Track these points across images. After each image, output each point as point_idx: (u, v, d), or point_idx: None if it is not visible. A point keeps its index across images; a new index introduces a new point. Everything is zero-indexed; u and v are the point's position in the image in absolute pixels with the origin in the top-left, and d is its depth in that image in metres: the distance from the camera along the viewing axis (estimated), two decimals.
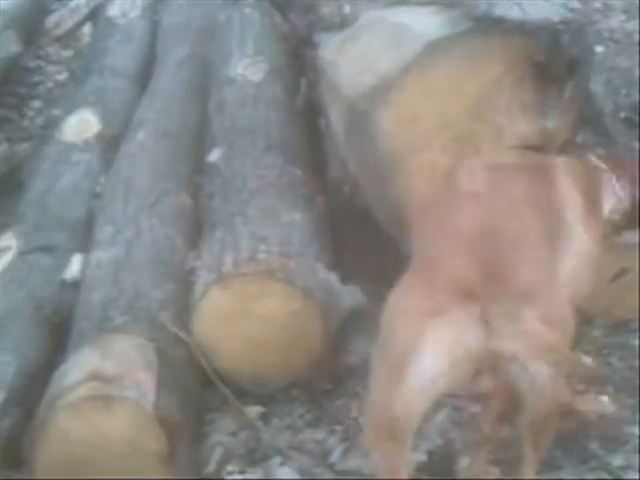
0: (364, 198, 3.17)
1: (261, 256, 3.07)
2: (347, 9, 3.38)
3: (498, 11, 2.92)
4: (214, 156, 3.76)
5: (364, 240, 3.39)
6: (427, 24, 3.03)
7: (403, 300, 2.27)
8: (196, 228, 3.52)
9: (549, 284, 2.26)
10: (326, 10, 3.56)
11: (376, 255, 3.33)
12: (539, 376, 2.17)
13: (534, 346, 2.13)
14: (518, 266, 2.21)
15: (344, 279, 3.13)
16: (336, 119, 3.22)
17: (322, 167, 3.63)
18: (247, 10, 4.60)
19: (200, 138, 4.04)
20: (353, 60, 3.16)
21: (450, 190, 2.47)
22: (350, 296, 3.09)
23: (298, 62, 3.83)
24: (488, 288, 2.14)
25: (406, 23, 3.08)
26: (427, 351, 2.14)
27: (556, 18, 2.90)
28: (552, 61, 2.90)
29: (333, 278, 3.11)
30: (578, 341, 3.12)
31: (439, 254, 2.29)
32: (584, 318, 3.21)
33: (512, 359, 2.14)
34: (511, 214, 2.33)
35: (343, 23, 3.35)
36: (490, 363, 2.17)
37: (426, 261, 2.34)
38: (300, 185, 3.49)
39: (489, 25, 2.91)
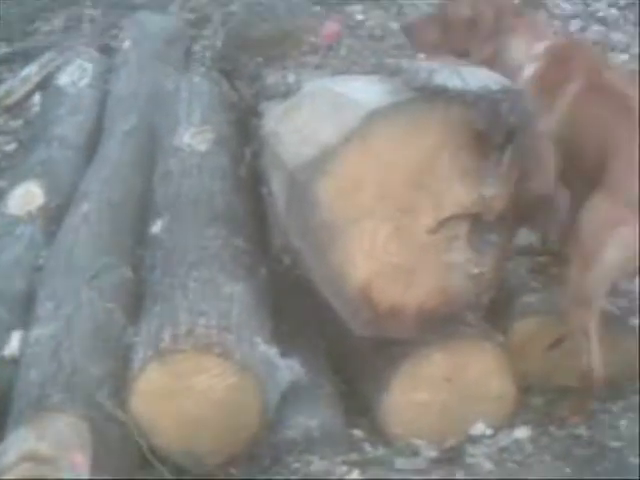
0: (305, 268, 3.13)
1: (199, 331, 3.02)
2: (291, 78, 3.37)
3: (438, 80, 2.92)
4: (156, 227, 3.71)
5: (305, 311, 3.36)
6: (368, 93, 3.02)
7: (597, 212, 3.08)
8: (137, 302, 3.45)
9: None
10: (271, 79, 3.54)
11: (316, 327, 3.30)
12: None
13: None
14: None
15: (284, 352, 3.08)
16: (278, 189, 3.19)
17: (265, 237, 3.60)
18: (196, 79, 4.58)
19: (145, 209, 3.99)
20: (295, 130, 3.14)
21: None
22: (289, 370, 3.05)
23: (244, 131, 3.80)
24: None
25: (347, 93, 3.07)
26: (610, 249, 3.04)
27: (495, 87, 2.91)
28: (491, 130, 2.91)
29: (272, 352, 3.06)
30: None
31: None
32: (523, 387, 3.21)
33: None
34: None
35: (287, 92, 3.33)
36: None
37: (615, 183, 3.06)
38: (242, 256, 3.44)
39: (429, 94, 2.91)
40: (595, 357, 3.16)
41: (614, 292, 3.31)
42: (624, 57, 5.23)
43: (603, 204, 3.08)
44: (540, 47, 3.37)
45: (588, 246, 3.08)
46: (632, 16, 5.69)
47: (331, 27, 3.52)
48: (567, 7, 5.86)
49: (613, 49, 5.31)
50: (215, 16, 5.28)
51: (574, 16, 5.72)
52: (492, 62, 3.30)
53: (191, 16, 5.71)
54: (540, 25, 3.60)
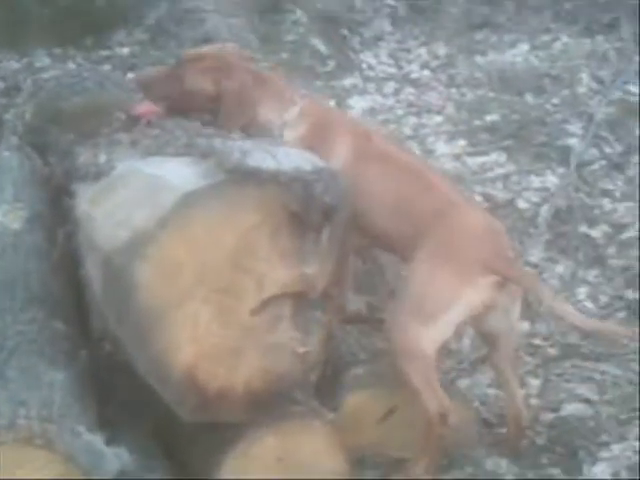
0: (126, 355, 3.08)
1: (20, 422, 2.93)
2: (103, 158, 3.32)
3: (252, 161, 2.94)
4: None
5: (132, 394, 3.29)
6: (182, 175, 3.01)
7: (434, 272, 3.17)
8: None
9: None
10: (83, 158, 3.48)
11: (145, 410, 3.25)
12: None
13: None
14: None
15: (111, 439, 3.02)
16: (93, 272, 3.14)
17: (85, 319, 3.51)
18: (6, 154, 4.45)
19: None
20: (109, 213, 3.09)
21: None
22: (117, 458, 2.98)
23: (57, 210, 3.72)
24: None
25: (161, 175, 3.05)
26: (454, 310, 3.14)
27: (308, 167, 2.95)
28: (307, 210, 2.93)
29: (97, 440, 2.99)
30: None
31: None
32: (356, 460, 3.23)
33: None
34: None
35: (99, 173, 3.28)
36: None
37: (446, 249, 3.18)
38: (62, 340, 3.34)
39: (243, 176, 2.92)
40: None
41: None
42: (439, 119, 5.35)
43: (437, 268, 3.16)
44: (294, 112, 3.45)
45: (428, 305, 3.15)
46: (444, 77, 5.84)
47: (147, 106, 3.49)
48: (380, 69, 5.98)
49: (428, 111, 5.43)
50: (25, 85, 5.16)
51: (388, 78, 5.84)
52: (246, 130, 3.39)
53: (1, 84, 5.58)
54: (286, 87, 3.58)
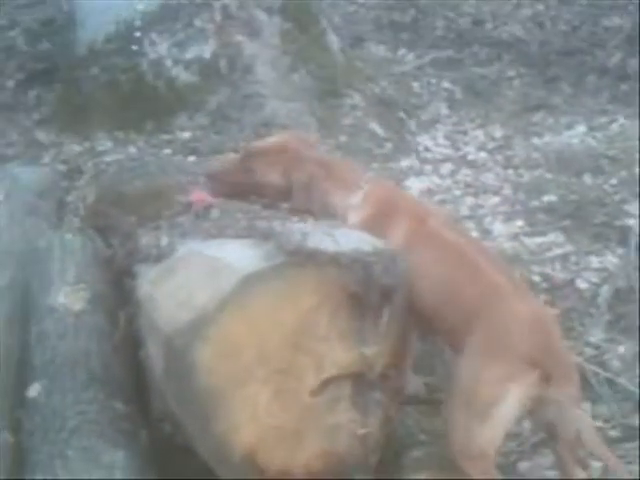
0: (186, 436, 3.09)
1: None
2: (164, 241, 3.37)
3: (311, 243, 2.98)
4: (34, 391, 3.62)
5: (189, 477, 3.31)
6: (242, 257, 3.05)
7: (481, 367, 3.11)
8: (19, 467, 3.35)
9: None
10: (144, 240, 3.54)
11: None
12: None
13: None
14: None
15: None
16: (154, 353, 3.17)
17: (145, 400, 3.54)
18: (68, 236, 4.53)
19: (23, 370, 3.90)
20: (170, 294, 3.14)
21: None
22: None
23: (119, 291, 3.77)
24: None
25: (222, 257, 3.10)
26: (504, 405, 3.07)
27: (367, 248, 2.97)
28: (366, 291, 2.95)
29: None
30: None
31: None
32: None
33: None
34: None
35: (160, 255, 3.33)
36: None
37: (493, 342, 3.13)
38: (122, 420, 3.37)
39: (303, 258, 2.95)
40: None
41: None
42: (496, 199, 5.36)
43: (484, 362, 3.10)
44: (358, 196, 3.48)
45: (479, 402, 3.09)
46: (501, 158, 5.86)
47: (199, 194, 3.56)
48: (437, 151, 6.02)
49: (485, 191, 5.44)
50: (87, 168, 5.27)
51: (445, 160, 5.88)
52: (313, 214, 3.41)
53: (63, 167, 5.68)
54: (351, 172, 3.64)
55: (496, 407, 3.06)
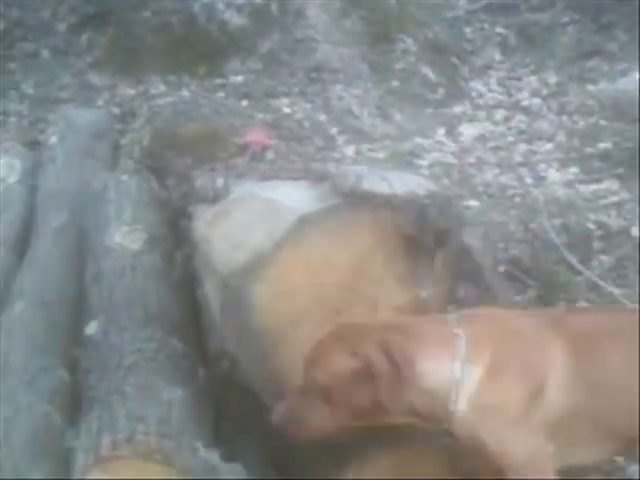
0: (244, 374, 3.13)
1: (139, 437, 2.99)
2: (220, 182, 3.41)
3: (366, 185, 2.99)
4: (91, 329, 3.68)
5: (248, 413, 3.34)
6: (297, 199, 3.08)
7: None
8: (75, 404, 3.42)
9: None
10: (200, 182, 3.58)
11: (259, 429, 3.29)
12: None
13: None
14: None
15: (226, 456, 3.05)
16: (211, 293, 3.21)
17: (202, 338, 3.59)
18: (124, 177, 4.59)
19: (79, 309, 3.97)
20: (225, 235, 3.17)
21: None
22: (232, 474, 3.03)
23: (175, 232, 3.82)
24: None
25: (277, 198, 3.13)
26: None
27: (422, 191, 2.98)
28: (421, 233, 2.97)
29: (214, 456, 3.03)
30: None
31: None
32: None
33: None
34: None
35: (216, 196, 3.37)
36: None
37: None
38: (180, 358, 3.43)
39: (358, 200, 2.97)
40: None
41: None
42: (549, 146, 5.34)
43: None
44: (461, 353, 2.68)
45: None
46: (555, 105, 5.82)
47: (256, 135, 3.58)
48: (490, 97, 5.99)
49: (539, 138, 5.41)
50: (141, 111, 5.31)
51: (498, 106, 5.85)
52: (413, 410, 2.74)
53: (117, 110, 5.73)
54: (440, 325, 2.76)
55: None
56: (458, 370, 2.65)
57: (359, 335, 2.68)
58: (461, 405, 2.68)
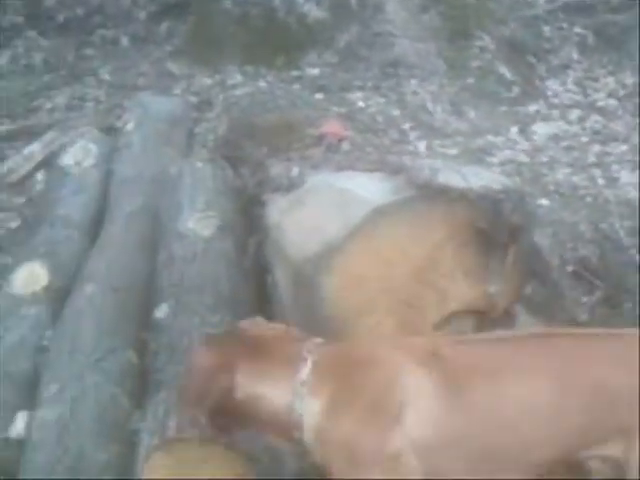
0: None
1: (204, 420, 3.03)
2: (295, 172, 3.44)
3: (441, 179, 3.00)
4: (161, 312, 3.74)
5: None
6: (372, 190, 3.10)
7: None
8: (142, 387, 3.49)
9: None
10: (275, 170, 3.61)
11: None
12: None
13: None
14: None
15: None
16: (282, 280, 3.25)
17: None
18: (199, 164, 4.64)
19: (149, 293, 4.02)
20: (299, 224, 3.21)
21: None
22: (295, 459, 3.06)
23: (248, 219, 3.86)
24: None
25: (351, 189, 3.15)
26: None
27: (497, 186, 2.99)
28: (494, 228, 2.97)
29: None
30: None
31: None
32: None
33: None
34: None
35: (291, 185, 3.40)
36: None
37: None
38: None
39: (432, 193, 2.98)
40: None
41: None
42: (624, 148, 5.30)
43: None
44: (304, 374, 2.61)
45: None
46: (631, 106, 5.77)
47: (332, 127, 3.60)
48: (566, 97, 5.95)
49: (614, 139, 5.37)
50: (218, 100, 5.36)
51: (573, 106, 5.81)
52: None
53: (194, 99, 5.77)
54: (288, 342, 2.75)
55: None
56: (298, 398, 2.57)
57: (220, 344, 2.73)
58: (307, 435, 2.59)
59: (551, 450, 2.55)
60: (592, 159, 5.18)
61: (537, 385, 2.53)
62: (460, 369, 2.52)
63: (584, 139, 5.41)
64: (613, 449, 2.54)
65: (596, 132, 5.47)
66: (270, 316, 3.56)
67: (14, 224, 5.57)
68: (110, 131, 5.70)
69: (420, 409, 2.49)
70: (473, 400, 2.52)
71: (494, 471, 2.54)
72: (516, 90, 5.93)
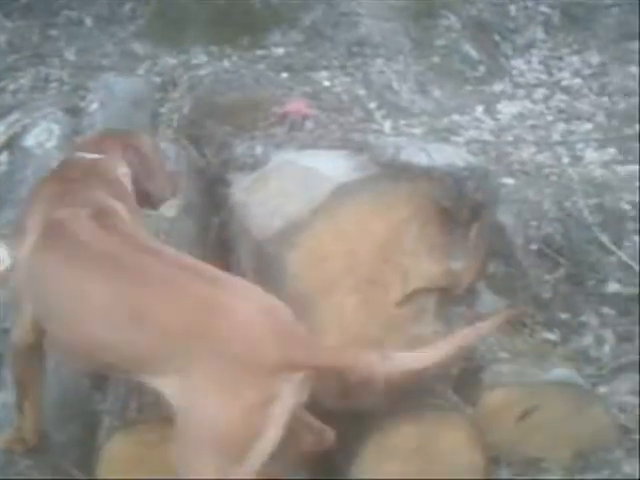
0: None
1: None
2: (259, 150, 3.42)
3: (405, 156, 3.00)
4: None
5: None
6: (336, 168, 3.10)
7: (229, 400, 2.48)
8: None
9: None
10: (239, 149, 3.60)
11: None
12: None
13: None
14: None
15: None
16: (245, 259, 3.24)
17: None
18: (163, 144, 4.61)
19: None
20: (262, 202, 3.20)
21: None
22: None
23: (211, 199, 3.84)
24: None
25: (315, 167, 3.14)
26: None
27: (461, 164, 2.98)
28: (457, 206, 2.97)
29: None
30: None
31: None
32: (491, 457, 3.23)
33: None
34: None
35: (255, 164, 3.39)
36: None
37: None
38: None
39: (396, 170, 2.97)
40: None
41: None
42: (588, 126, 5.31)
43: (233, 391, 2.51)
44: None
45: (235, 444, 2.53)
46: (596, 85, 5.79)
47: (296, 105, 3.59)
48: (531, 76, 5.96)
49: (578, 118, 5.39)
50: (182, 80, 5.32)
51: (539, 85, 5.82)
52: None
53: (158, 79, 5.73)
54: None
55: (259, 439, 2.49)
56: None
57: None
58: None
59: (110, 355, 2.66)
60: (557, 138, 5.19)
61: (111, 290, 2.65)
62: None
63: (549, 118, 5.42)
64: (165, 387, 2.58)
65: (561, 111, 5.48)
66: None
67: None
68: (74, 112, 5.66)
69: None
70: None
71: None
72: (481, 69, 5.93)
